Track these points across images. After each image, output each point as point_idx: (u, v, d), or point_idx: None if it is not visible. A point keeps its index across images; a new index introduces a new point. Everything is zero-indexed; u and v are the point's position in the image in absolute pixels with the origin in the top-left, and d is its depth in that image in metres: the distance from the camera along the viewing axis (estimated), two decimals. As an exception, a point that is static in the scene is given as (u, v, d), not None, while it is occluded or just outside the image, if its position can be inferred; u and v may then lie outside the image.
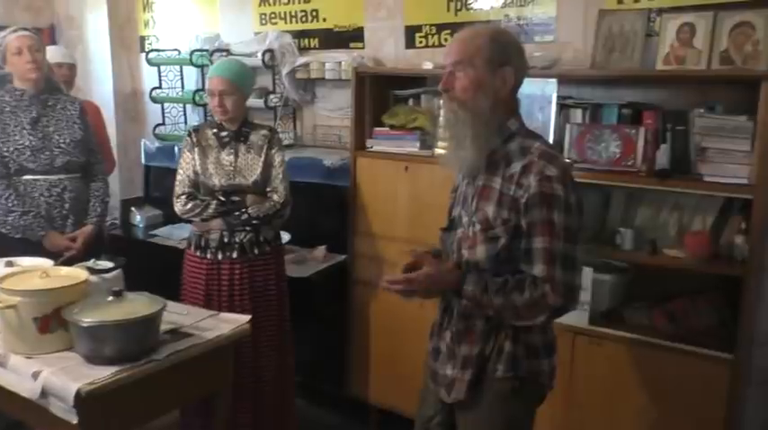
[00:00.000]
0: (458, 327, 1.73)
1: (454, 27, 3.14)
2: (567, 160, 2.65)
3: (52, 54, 3.47)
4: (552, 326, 1.76)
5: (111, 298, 1.86)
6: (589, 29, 2.80)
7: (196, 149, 2.69)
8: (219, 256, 2.69)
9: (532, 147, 1.62)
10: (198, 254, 2.72)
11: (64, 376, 1.71)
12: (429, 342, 1.86)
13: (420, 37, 3.32)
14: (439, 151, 2.82)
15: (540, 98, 2.74)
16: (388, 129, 3.13)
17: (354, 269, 3.22)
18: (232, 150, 2.69)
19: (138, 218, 3.93)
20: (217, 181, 2.66)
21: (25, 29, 2.81)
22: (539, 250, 1.56)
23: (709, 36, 2.48)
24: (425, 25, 3.29)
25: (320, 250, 3.29)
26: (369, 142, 3.16)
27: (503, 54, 1.62)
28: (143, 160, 4.18)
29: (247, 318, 2.13)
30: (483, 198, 1.65)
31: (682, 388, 2.42)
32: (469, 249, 1.67)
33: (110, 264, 2.11)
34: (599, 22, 2.73)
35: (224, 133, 2.71)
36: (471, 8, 3.15)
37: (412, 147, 3.02)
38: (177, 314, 2.08)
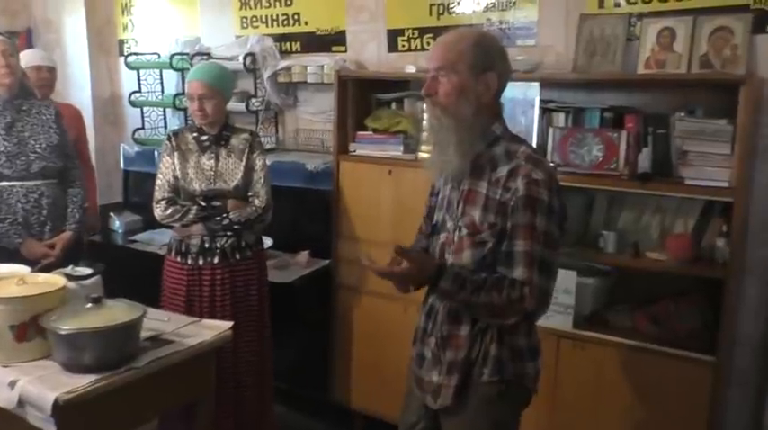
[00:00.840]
0: (442, 333, 1.72)
1: (437, 31, 3.16)
2: (552, 164, 2.67)
3: (31, 57, 3.44)
4: (536, 329, 1.76)
5: (89, 305, 1.84)
6: (570, 33, 2.83)
7: (176, 154, 2.68)
8: (200, 262, 2.67)
9: (518, 151, 1.63)
10: (178, 259, 2.70)
11: (41, 385, 1.69)
12: (412, 348, 1.86)
13: (402, 41, 3.33)
14: (423, 155, 2.83)
15: (522, 102, 2.76)
16: (371, 132, 3.13)
17: (338, 274, 3.21)
18: (213, 154, 2.68)
19: (117, 223, 3.90)
20: (197, 185, 2.64)
21: (-2, 33, 2.78)
22: (520, 253, 1.56)
23: (689, 40, 2.52)
24: (408, 29, 3.30)
25: (303, 255, 3.28)
26: (352, 146, 3.16)
27: (486, 59, 1.62)
28: (122, 165, 4.15)
29: (229, 324, 2.12)
30: (469, 202, 1.66)
31: (665, 390, 2.44)
32: (455, 254, 1.67)
33: (88, 271, 2.08)
34: (580, 27, 2.76)
35: (204, 137, 2.70)
36: (454, 12, 3.17)
37: (395, 150, 3.02)
38: (158, 321, 2.06)
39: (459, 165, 1.65)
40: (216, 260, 2.67)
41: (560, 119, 2.74)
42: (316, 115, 3.66)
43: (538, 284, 1.55)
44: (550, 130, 2.71)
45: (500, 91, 1.68)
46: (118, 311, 1.83)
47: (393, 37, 3.36)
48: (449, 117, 1.63)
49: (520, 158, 1.61)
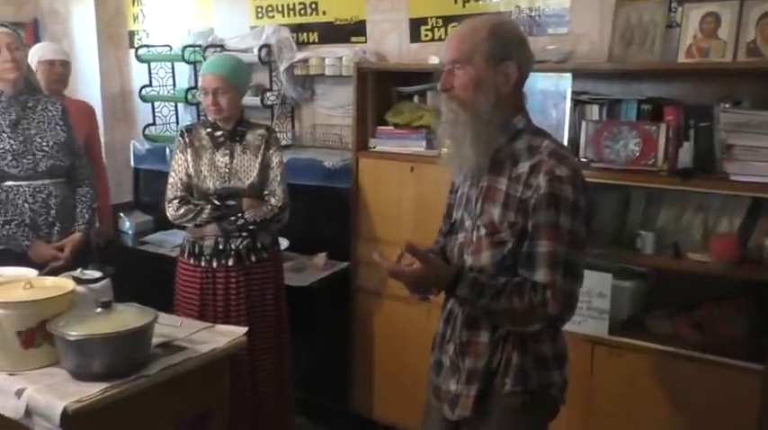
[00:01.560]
0: (461, 339, 1.71)
1: (462, 19, 3.09)
2: (583, 159, 2.64)
3: (44, 51, 3.47)
4: (563, 334, 1.74)
5: (99, 309, 1.84)
6: (606, 20, 2.79)
7: (189, 150, 2.68)
8: (214, 264, 2.68)
9: (541, 146, 1.61)
10: (191, 261, 2.71)
11: (49, 394, 1.69)
12: (430, 355, 1.85)
13: (426, 30, 3.31)
14: (443, 151, 2.81)
15: (553, 94, 2.74)
16: (391, 127, 3.12)
17: (357, 277, 3.20)
18: (227, 151, 2.69)
19: (127, 224, 3.92)
20: (211, 184, 2.65)
21: (3, 24, 2.80)
22: (542, 254, 1.55)
23: (735, 26, 2.47)
24: (431, 18, 3.28)
25: (320, 257, 3.28)
26: (372, 142, 3.15)
27: (504, 48, 1.61)
28: (132, 163, 4.18)
29: (244, 330, 2.12)
30: (488, 200, 1.65)
31: (708, 401, 2.40)
32: (474, 255, 1.66)
33: (98, 274, 2.09)
34: (616, 13, 2.72)
35: (218, 133, 2.70)
36: (480, -1, 3.14)
37: (417, 146, 3.01)
38: (170, 326, 2.06)
39: (477, 161, 1.64)
40: (230, 262, 2.67)
41: (594, 111, 2.71)
42: (334, 109, 3.65)
43: (562, 287, 1.53)
44: (583, 124, 2.68)
45: (521, 81, 1.66)
46: (128, 316, 1.83)
47: (415, 26, 3.34)
48: (466, 111, 1.62)
49: (543, 153, 1.59)
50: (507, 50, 1.61)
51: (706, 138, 2.49)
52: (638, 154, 2.55)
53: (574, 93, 2.71)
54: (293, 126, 3.80)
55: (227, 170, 2.67)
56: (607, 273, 2.56)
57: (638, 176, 2.53)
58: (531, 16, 3.03)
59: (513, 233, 1.59)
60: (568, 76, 2.70)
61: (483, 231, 1.64)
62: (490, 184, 1.65)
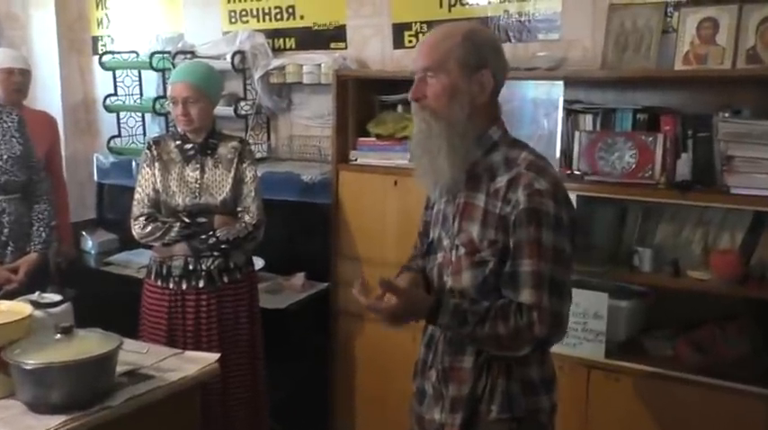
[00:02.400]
0: (443, 365, 1.70)
1: (447, 24, 3.15)
2: (576, 172, 2.66)
3: (2, 58, 3.41)
4: (550, 357, 1.75)
5: (58, 336, 1.81)
6: (599, 25, 2.82)
7: (157, 164, 2.67)
8: (184, 286, 2.67)
9: (519, 158, 1.62)
10: (159, 283, 2.70)
11: (4, 428, 1.66)
12: (412, 383, 1.84)
13: (409, 36, 3.33)
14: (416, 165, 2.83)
15: (545, 103, 2.75)
16: (374, 139, 3.13)
17: (337, 298, 3.19)
18: (198, 165, 2.68)
19: (89, 243, 3.89)
20: (180, 200, 2.64)
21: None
22: (525, 273, 1.55)
23: (734, 32, 2.50)
24: (415, 23, 3.31)
25: (298, 277, 3.27)
26: (353, 154, 3.16)
27: (479, 55, 1.62)
28: (96, 177, 4.15)
29: (216, 356, 2.10)
30: (466, 217, 1.65)
31: (711, 427, 2.40)
32: (454, 275, 1.66)
33: (57, 298, 2.07)
34: (610, 18, 2.75)
35: (188, 146, 2.70)
36: (467, 3, 3.17)
37: (401, 158, 3.00)
38: (135, 353, 2.04)
39: (453, 175, 1.64)
40: (201, 284, 2.66)
41: (588, 121, 2.73)
42: (312, 120, 3.66)
43: (548, 307, 1.54)
44: (576, 134, 2.69)
45: (496, 91, 1.68)
46: (90, 343, 1.80)
47: (399, 32, 3.36)
48: (440, 122, 1.62)
49: (520, 166, 1.60)
50: (483, 58, 1.62)
51: (705, 149, 2.51)
52: (634, 166, 2.57)
53: (566, 101, 2.72)
54: (269, 137, 3.79)
55: (197, 185, 2.66)
56: (603, 293, 2.57)
57: (635, 190, 2.54)
58: (520, 21, 3.06)
59: (494, 252, 1.59)
60: (560, 83, 2.72)
61: (462, 251, 1.64)
62: (467, 201, 1.65)
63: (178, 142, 2.71)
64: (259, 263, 3.15)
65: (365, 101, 3.21)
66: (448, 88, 1.61)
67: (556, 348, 1.74)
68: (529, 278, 1.55)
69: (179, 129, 2.72)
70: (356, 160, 3.15)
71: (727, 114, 2.48)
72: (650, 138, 2.56)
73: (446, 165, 1.62)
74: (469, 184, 1.66)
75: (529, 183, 1.57)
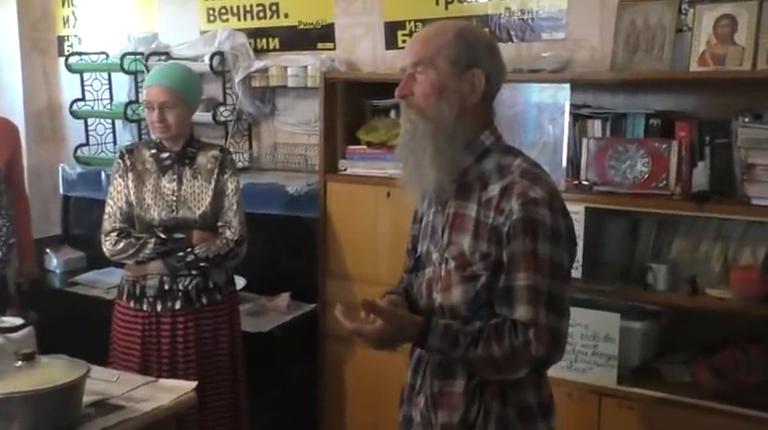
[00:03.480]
0: (433, 390, 1.71)
1: (444, 23, 3.17)
2: (585, 182, 2.66)
3: None
4: (548, 380, 1.74)
5: (19, 363, 1.80)
6: (608, 23, 2.84)
7: (130, 175, 2.67)
8: (158, 307, 2.65)
9: (512, 165, 1.63)
10: (131, 304, 2.68)
11: (-40, 465, 1.65)
12: (399, 410, 1.84)
13: (403, 35, 3.34)
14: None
15: (550, 107, 2.77)
16: (365, 146, 3.13)
17: (326, 320, 3.19)
18: (175, 176, 2.67)
19: (54, 262, 3.87)
20: (156, 214, 2.63)
21: None
22: (521, 288, 1.56)
23: (754, 30, 2.52)
24: (409, 21, 3.32)
25: (283, 298, 3.26)
26: (342, 163, 3.16)
27: (470, 54, 1.64)
28: (61, 189, 4.14)
29: (193, 384, 2.09)
30: (456, 229, 1.65)
31: (733, 460, 2.40)
32: (443, 292, 1.66)
33: (18, 321, 2.06)
34: (619, 15, 2.77)
35: (164, 155, 2.69)
36: (465, 0, 3.18)
37: (394, 168, 2.93)
38: (105, 382, 2.03)
39: (439, 180, 1.65)
40: (177, 305, 2.65)
41: (596, 127, 2.74)
42: (298, 126, 3.66)
43: (546, 324, 1.54)
44: (584, 141, 2.70)
45: (491, 94, 1.69)
46: (55, 371, 1.79)
47: (391, 31, 3.37)
48: (426, 121, 1.63)
49: (514, 174, 1.61)
50: (475, 56, 1.64)
51: (723, 156, 2.52)
52: (646, 175, 2.58)
53: (573, 106, 2.74)
54: (251, 146, 3.79)
55: (174, 198, 2.65)
56: (614, 314, 2.57)
57: (648, 201, 2.55)
58: (523, 19, 3.07)
59: (487, 265, 1.60)
60: (566, 86, 2.73)
61: (452, 264, 1.64)
62: (458, 211, 1.66)
63: (153, 151, 2.71)
64: (241, 282, 3.15)
65: (355, 106, 3.22)
66: (436, 85, 1.62)
67: (564, 374, 1.74)
68: (524, 293, 1.55)
69: (154, 137, 2.71)
70: (345, 170, 3.15)
71: (746, 119, 2.49)
72: (664, 146, 2.57)
73: (432, 168, 1.63)
74: (460, 193, 1.66)
75: (523, 192, 1.58)
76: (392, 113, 3.20)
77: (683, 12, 2.71)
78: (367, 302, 1.59)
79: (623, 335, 2.57)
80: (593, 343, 2.58)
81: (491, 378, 1.62)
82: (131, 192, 2.65)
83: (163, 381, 2.14)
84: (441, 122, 1.63)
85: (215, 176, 2.68)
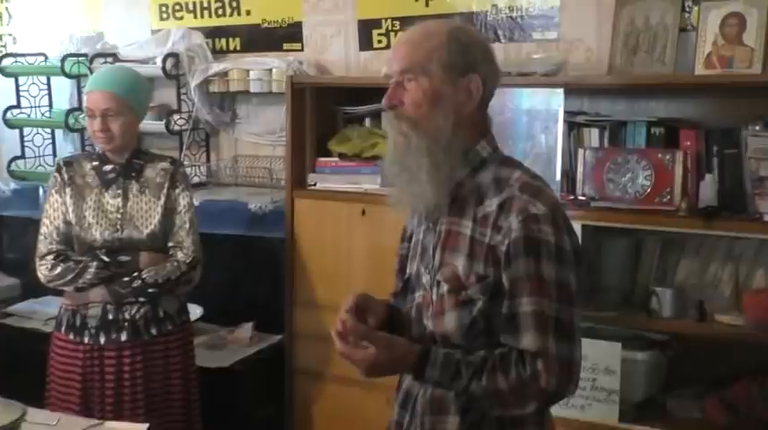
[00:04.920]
0: (423, 427, 1.69)
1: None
2: (581, 197, 2.67)
3: None
4: (551, 418, 1.74)
5: (-58, 404, 1.77)
6: (605, 22, 2.87)
7: (68, 190, 2.65)
8: (102, 340, 2.62)
9: (511, 178, 1.64)
10: (71, 337, 2.65)
11: None
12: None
13: (379, 35, 3.36)
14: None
15: (542, 115, 2.78)
16: (336, 159, 3.13)
17: (294, 354, 3.17)
18: (119, 191, 2.66)
19: (-16, 289, 3.83)
20: (98, 234, 2.61)
21: None
22: (526, 315, 1.55)
23: (764, 30, 2.55)
24: (386, 19, 3.34)
25: (245, 329, 3.25)
26: (311, 177, 3.16)
27: (466, 58, 1.64)
28: (-8, 208, 4.10)
29: (142, 427, 2.08)
30: (449, 248, 1.66)
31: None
32: (435, 318, 1.66)
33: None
34: (617, 13, 2.80)
35: (108, 168, 2.68)
36: (447, -4, 3.21)
37: (371, 182, 3.02)
38: (44, 425, 2.00)
39: (434, 198, 1.65)
40: (123, 337, 2.62)
41: (594, 136, 2.76)
42: (261, 136, 3.66)
43: (555, 353, 1.54)
44: (580, 152, 2.72)
45: (486, 100, 1.70)
46: (-17, 413, 1.76)
47: (366, 30, 3.39)
48: (419, 134, 1.63)
49: (513, 187, 1.62)
50: (471, 60, 1.64)
51: (733, 168, 2.54)
52: (649, 189, 2.60)
53: (567, 113, 2.75)
54: (209, 158, 3.78)
55: (118, 215, 2.63)
56: (615, 343, 2.58)
57: (651, 218, 2.56)
58: (511, 17, 3.10)
59: (483, 289, 1.60)
60: (560, 91, 2.74)
61: (445, 288, 1.64)
62: (451, 228, 1.66)
63: (95, 163, 2.69)
64: (196, 311, 3.14)
65: (326, 113, 3.22)
66: (429, 94, 1.62)
67: (560, 411, 1.74)
68: (530, 320, 1.55)
69: (97, 149, 2.70)
70: (315, 185, 3.14)
71: (758, 127, 2.52)
72: (668, 156, 2.59)
73: (428, 185, 1.63)
74: (453, 209, 1.66)
75: (523, 208, 1.58)
76: (367, 122, 3.21)
77: (687, 9, 2.74)
78: (358, 328, 1.59)
79: (625, 366, 2.57)
80: (591, 376, 2.58)
81: (495, 413, 1.62)
82: (70, 210, 2.63)
83: (109, 424, 2.14)
84: (436, 134, 1.63)
85: (165, 191, 2.67)
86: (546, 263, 1.56)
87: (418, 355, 1.60)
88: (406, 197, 1.69)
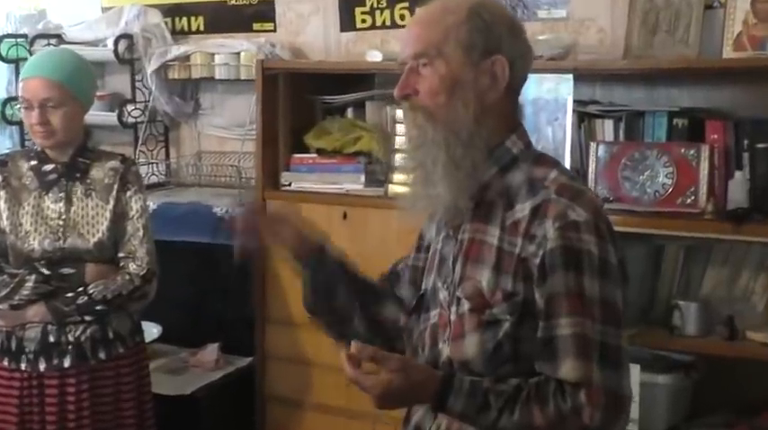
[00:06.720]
0: None
1: (414, -3, 3.18)
2: (598, 197, 2.65)
3: None
4: None
5: None
6: (619, -1, 2.87)
7: (2, 193, 2.63)
8: (42, 366, 2.59)
9: (546, 179, 1.61)
10: (6, 363, 2.62)
11: None
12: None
13: (363, 13, 3.36)
14: (396, 188, 2.83)
15: (549, 104, 2.78)
16: (314, 155, 3.13)
17: (265, 379, 3.18)
18: (61, 194, 2.63)
19: None
20: (37, 243, 2.59)
21: None
22: (565, 338, 1.52)
23: (801, 6, 2.56)
24: (371, -5, 3.34)
25: (210, 351, 3.25)
26: (285, 176, 3.16)
27: (489, 36, 1.61)
28: None
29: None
30: (472, 260, 1.64)
31: None
32: (453, 341, 1.63)
33: None
34: (634, -11, 2.80)
35: (48, 167, 2.65)
36: (439, -32, 3.19)
37: (353, 182, 3.02)
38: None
39: (455, 200, 1.62)
40: (67, 362, 2.59)
41: (607, 129, 2.76)
42: (228, 130, 3.66)
43: (601, 384, 1.51)
44: (592, 146, 2.71)
45: (516, 86, 1.67)
46: None
47: (348, 8, 3.38)
48: (437, 126, 1.61)
49: (549, 189, 1.58)
50: (495, 39, 1.62)
51: (766, 164, 2.54)
52: (670, 189, 2.60)
53: (577, 102, 2.75)
54: (168, 155, 3.78)
55: (60, 222, 2.61)
56: (633, 365, 2.52)
57: (673, 222, 2.56)
58: (514, -6, 3.09)
59: (512, 308, 1.57)
60: (569, 77, 2.74)
61: (466, 306, 1.62)
62: (474, 237, 1.64)
63: (33, 162, 2.66)
64: (153, 331, 3.12)
65: (302, 103, 3.22)
66: (447, 80, 1.60)
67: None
68: (570, 344, 1.52)
69: (36, 145, 2.67)
70: (290, 185, 3.15)
71: (794, 118, 2.52)
72: (692, 151, 2.58)
73: (444, 184, 1.61)
74: (478, 214, 1.64)
75: (561, 213, 1.55)
76: (349, 113, 3.21)
77: (714, -17, 2.74)
78: (366, 350, 1.55)
79: (645, 391, 2.57)
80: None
81: None
82: (4, 216, 2.61)
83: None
84: (455, 126, 1.60)
85: (114, 194, 2.64)
86: (588, 277, 1.53)
87: (441, 382, 1.57)
88: (421, 200, 1.67)
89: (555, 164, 1.68)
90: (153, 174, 3.64)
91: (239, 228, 1.84)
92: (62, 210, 2.62)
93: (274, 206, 3.09)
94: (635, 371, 2.54)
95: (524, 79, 1.69)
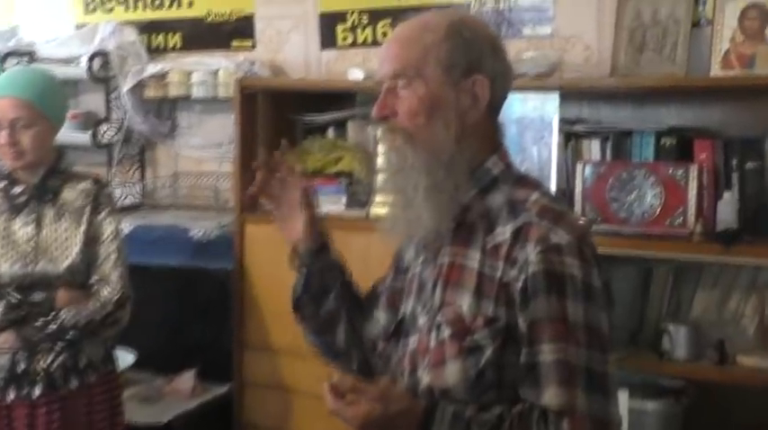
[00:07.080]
0: None
1: (398, 15, 3.15)
2: (585, 218, 2.67)
3: None
4: None
5: None
6: (606, 16, 2.88)
7: (-30, 216, 2.62)
8: (10, 395, 2.57)
9: (528, 201, 1.60)
10: (-26, 392, 2.61)
11: None
12: None
13: (344, 31, 3.36)
14: (378, 210, 2.81)
15: (534, 123, 2.79)
16: (294, 176, 3.13)
17: (244, 407, 3.16)
18: (32, 217, 2.62)
19: None
20: (6, 268, 2.57)
21: None
22: (549, 365, 1.52)
23: (789, 24, 2.58)
24: (352, 12, 3.35)
25: (186, 378, 3.23)
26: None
27: (469, 55, 1.62)
28: None
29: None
30: (452, 284, 1.63)
31: None
32: (433, 369, 1.63)
33: None
34: (621, 6, 2.82)
35: (18, 189, 2.63)
36: (425, -14, 3.21)
37: (334, 203, 3.03)
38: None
39: (436, 224, 1.62)
40: (37, 391, 2.57)
41: (594, 148, 2.77)
42: (206, 150, 3.65)
43: (586, 411, 1.50)
44: (578, 167, 2.72)
45: (497, 104, 1.67)
46: None
47: (329, 25, 3.39)
48: (416, 149, 1.61)
49: (530, 212, 1.58)
50: (475, 58, 1.62)
51: (756, 184, 2.55)
52: (658, 210, 2.60)
53: (563, 121, 2.76)
54: (143, 176, 3.77)
55: (31, 246, 2.59)
56: (622, 390, 2.53)
57: (661, 243, 2.57)
58: (498, 11, 3.10)
59: (493, 333, 1.56)
60: (555, 96, 2.75)
61: (446, 332, 1.61)
62: (454, 260, 1.64)
63: (2, 184, 2.65)
64: (127, 358, 3.10)
65: (281, 123, 3.22)
66: (427, 101, 1.60)
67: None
68: (553, 371, 1.51)
69: (5, 166, 2.65)
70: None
71: (784, 136, 2.54)
72: (680, 171, 2.59)
73: (426, 209, 1.61)
74: (458, 237, 1.64)
75: (543, 237, 1.54)
76: (330, 132, 3.21)
77: (701, 1, 2.75)
78: (345, 381, 1.54)
79: (634, 418, 2.57)
80: (595, 431, 2.56)
81: None
82: (-29, 241, 2.60)
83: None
84: (436, 149, 1.60)
85: (86, 217, 2.63)
86: (571, 301, 1.53)
87: (423, 412, 1.56)
88: (401, 224, 1.67)
89: (536, 185, 1.67)
90: (128, 195, 3.63)
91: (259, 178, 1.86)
92: (32, 233, 2.60)
93: (253, 230, 3.11)
94: (623, 397, 2.54)
95: (505, 98, 1.68)
